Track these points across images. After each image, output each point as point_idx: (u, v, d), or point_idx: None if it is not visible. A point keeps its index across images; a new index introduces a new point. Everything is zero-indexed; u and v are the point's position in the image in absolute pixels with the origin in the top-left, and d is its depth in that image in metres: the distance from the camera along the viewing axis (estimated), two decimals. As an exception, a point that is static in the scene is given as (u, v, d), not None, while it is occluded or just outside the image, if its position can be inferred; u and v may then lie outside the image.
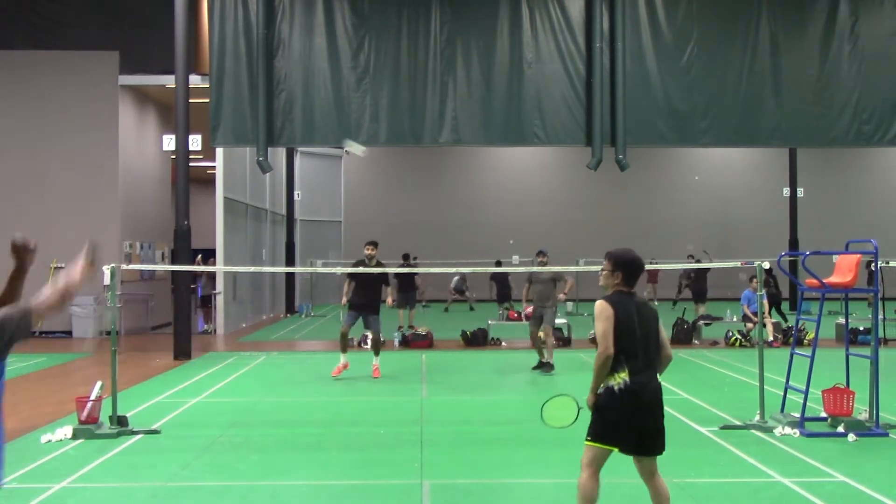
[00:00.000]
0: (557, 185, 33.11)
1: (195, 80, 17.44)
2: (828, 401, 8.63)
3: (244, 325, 21.88)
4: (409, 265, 21.71)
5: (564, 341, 16.70)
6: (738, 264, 10.98)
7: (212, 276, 20.45)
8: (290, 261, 26.62)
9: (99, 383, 8.73)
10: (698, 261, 21.82)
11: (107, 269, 8.98)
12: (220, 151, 19.72)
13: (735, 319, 17.72)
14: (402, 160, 32.46)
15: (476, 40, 16.42)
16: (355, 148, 13.30)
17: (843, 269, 8.76)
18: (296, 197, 27.76)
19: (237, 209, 21.56)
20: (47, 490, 6.55)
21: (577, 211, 32.64)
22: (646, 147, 19.94)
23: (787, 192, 27.80)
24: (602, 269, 5.11)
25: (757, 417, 8.75)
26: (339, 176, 32.40)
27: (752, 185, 33.16)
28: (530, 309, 13.37)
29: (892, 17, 17.00)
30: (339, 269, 17.43)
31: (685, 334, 17.03)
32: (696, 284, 20.69)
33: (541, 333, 12.87)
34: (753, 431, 8.51)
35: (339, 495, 6.62)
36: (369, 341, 13.15)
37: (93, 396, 8.52)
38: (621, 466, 5.25)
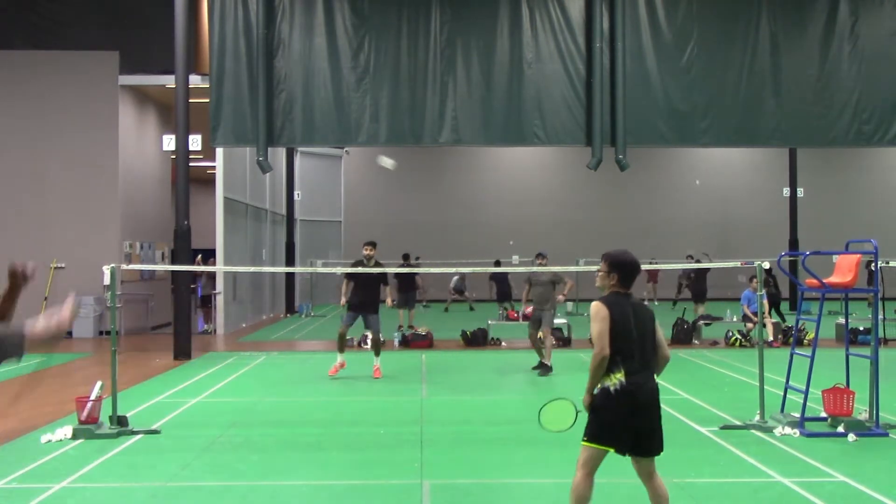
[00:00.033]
0: (557, 185, 33.11)
1: (195, 80, 17.45)
2: (828, 401, 8.64)
3: (244, 325, 21.88)
4: (409, 265, 21.71)
5: (564, 341, 16.70)
6: (738, 264, 10.98)
7: (212, 276, 20.45)
8: (290, 261, 26.62)
9: (99, 383, 8.74)
10: (697, 261, 21.81)
11: (107, 269, 8.98)
12: (220, 151, 19.73)
13: (735, 319, 17.73)
14: (402, 160, 32.25)
15: (476, 40, 16.42)
16: (387, 163, 13.43)
17: (843, 269, 8.76)
18: (296, 197, 27.76)
19: (237, 209, 21.56)
20: (47, 490, 6.55)
21: (577, 211, 32.64)
22: (646, 147, 19.94)
23: (787, 192, 27.80)
24: (598, 271, 5.14)
25: (757, 417, 8.75)
26: (339, 176, 32.40)
27: (752, 185, 33.16)
28: (530, 309, 13.38)
29: (892, 17, 17.00)
30: (339, 269, 17.43)
31: (685, 334, 17.03)
32: (696, 284, 20.69)
33: (540, 334, 12.88)
34: (753, 431, 8.51)
35: (339, 495, 6.62)
36: (369, 341, 13.15)
37: (93, 396, 8.52)
38: (621, 466, 5.24)
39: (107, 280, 8.85)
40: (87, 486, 6.74)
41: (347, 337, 13.26)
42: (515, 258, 28.70)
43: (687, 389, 11.00)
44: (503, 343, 16.98)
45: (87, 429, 8.34)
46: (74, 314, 3.55)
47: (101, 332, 18.45)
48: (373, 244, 12.44)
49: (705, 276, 20.48)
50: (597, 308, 4.92)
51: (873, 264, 11.48)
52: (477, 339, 17.05)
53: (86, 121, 19.13)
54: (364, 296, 12.23)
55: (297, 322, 23.35)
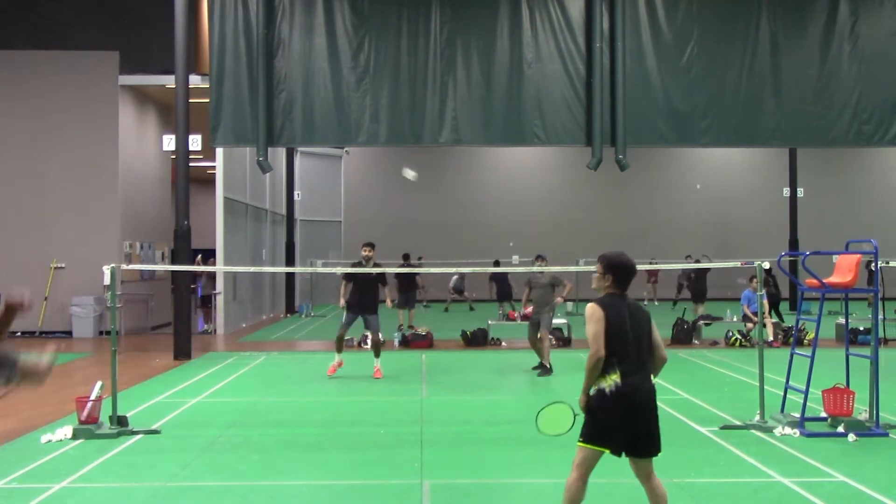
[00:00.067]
0: (557, 185, 33.10)
1: (195, 80, 17.45)
2: (828, 401, 8.64)
3: (244, 325, 21.88)
4: (409, 265, 21.71)
5: (564, 341, 16.71)
6: (738, 264, 10.98)
7: (212, 276, 20.45)
8: (290, 261, 26.62)
9: (99, 383, 8.74)
10: (697, 261, 21.82)
11: (107, 269, 8.98)
12: (220, 151, 19.72)
13: (735, 319, 17.73)
14: (402, 160, 32.26)
15: (476, 40, 16.42)
16: (410, 175, 13.60)
17: (843, 269, 8.76)
18: (296, 197, 27.76)
19: (237, 209, 21.56)
20: (47, 490, 6.55)
21: (577, 211, 32.63)
22: (646, 147, 19.94)
23: (787, 192, 27.79)
24: (594, 272, 5.15)
25: (757, 417, 8.75)
26: (339, 176, 32.40)
27: (752, 185, 33.15)
28: (530, 309, 13.39)
29: (892, 17, 16.99)
30: (339, 269, 17.42)
31: (685, 334, 17.03)
32: (696, 285, 20.70)
33: (539, 336, 12.91)
34: (753, 431, 8.51)
35: (339, 495, 6.62)
36: (369, 341, 13.18)
37: (93, 396, 8.52)
38: (621, 467, 5.24)
39: (107, 280, 8.85)
40: (87, 486, 6.74)
41: (347, 337, 13.29)
42: (515, 258, 28.70)
43: (687, 389, 10.99)
44: (503, 343, 16.98)
45: (87, 429, 8.35)
46: (50, 366, 3.89)
47: (101, 332, 18.44)
48: (371, 245, 12.50)
49: (705, 277, 20.49)
50: (592, 309, 4.94)
51: (873, 264, 11.48)
52: (477, 340, 17.05)
53: (86, 121, 19.14)
54: (363, 296, 12.27)
55: (297, 322, 23.35)
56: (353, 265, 12.70)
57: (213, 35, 16.18)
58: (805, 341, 15.02)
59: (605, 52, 16.28)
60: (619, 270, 5.05)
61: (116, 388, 8.79)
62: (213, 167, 20.58)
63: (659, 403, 5.05)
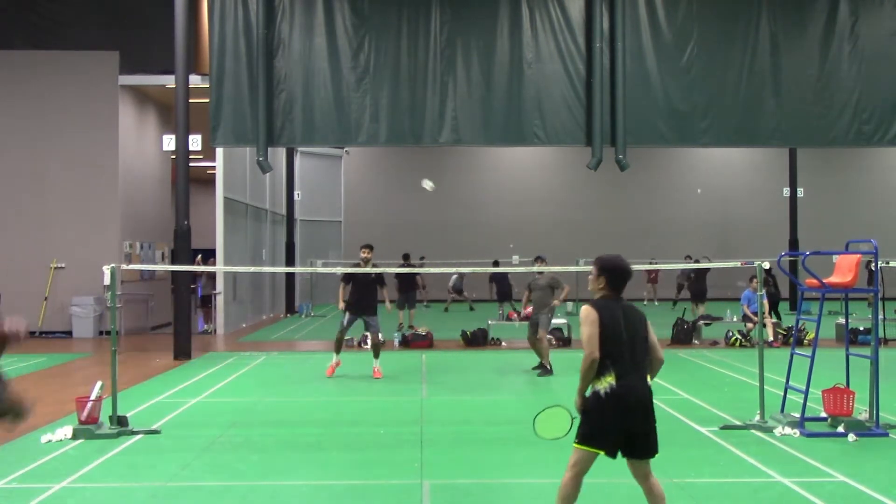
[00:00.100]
0: (557, 185, 33.10)
1: (195, 80, 17.45)
2: (828, 401, 8.64)
3: (244, 325, 21.88)
4: (409, 265, 21.71)
5: (565, 341, 16.71)
6: (738, 264, 10.98)
7: (212, 276, 20.45)
8: (290, 261, 26.62)
9: (99, 383, 8.74)
10: (696, 261, 21.83)
11: (107, 269, 8.98)
12: (220, 151, 19.72)
13: (735, 319, 17.73)
14: (402, 160, 32.44)
15: (476, 40, 16.42)
16: (428, 185, 13.72)
17: (843, 269, 8.76)
18: (296, 197, 27.76)
19: (237, 209, 21.57)
20: (47, 490, 6.55)
21: (577, 211, 32.63)
22: (646, 147, 19.95)
23: (787, 192, 27.79)
24: (589, 274, 5.18)
25: (757, 417, 8.75)
26: (339, 176, 32.40)
27: (752, 185, 33.15)
28: (530, 309, 13.41)
29: (892, 17, 16.99)
30: (339, 269, 17.44)
31: (685, 334, 17.03)
32: (696, 285, 20.71)
33: (538, 335, 12.92)
34: (753, 431, 8.51)
35: (339, 495, 6.62)
36: (369, 342, 13.20)
37: (93, 396, 8.52)
38: (620, 467, 5.24)
39: (107, 280, 8.85)
40: (87, 486, 6.74)
41: (347, 337, 13.31)
42: (515, 258, 28.69)
43: (687, 389, 10.99)
44: (503, 343, 16.98)
45: (87, 429, 8.35)
46: (27, 413, 4.14)
47: (101, 332, 18.45)
48: (370, 247, 12.61)
49: (705, 277, 20.50)
50: (586, 312, 4.97)
51: (873, 264, 11.49)
52: (477, 339, 17.05)
53: (86, 121, 19.14)
54: (362, 298, 12.33)
55: (297, 322, 23.35)
56: (353, 266, 12.75)
57: (213, 35, 16.18)
58: (805, 341, 15.02)
59: (605, 52, 16.28)
60: (612, 273, 5.07)
61: (116, 388, 8.79)
62: (213, 167, 20.59)
63: (659, 403, 5.06)
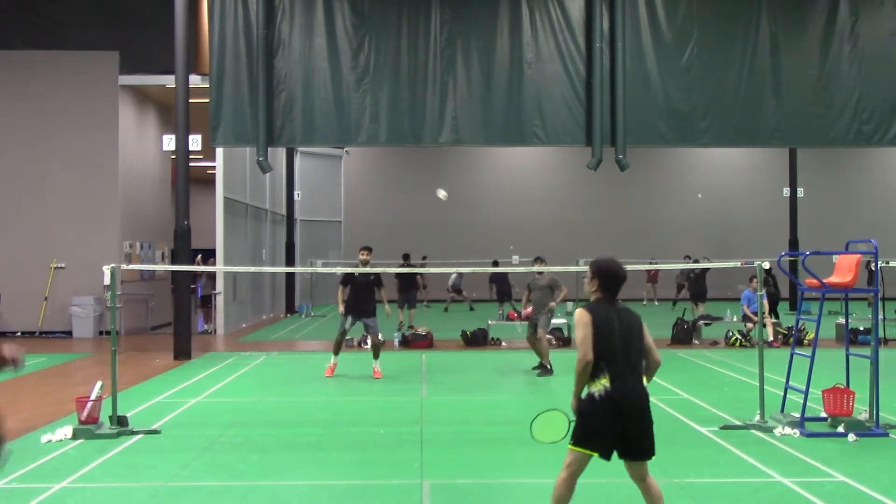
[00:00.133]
0: (557, 185, 33.10)
1: (195, 80, 17.45)
2: (828, 401, 8.64)
3: (244, 325, 21.88)
4: (409, 265, 21.71)
5: (565, 341, 16.70)
6: (738, 264, 10.98)
7: (212, 276, 20.45)
8: (290, 261, 26.62)
9: (99, 383, 8.74)
10: (696, 261, 21.82)
11: (107, 269, 8.98)
12: (220, 151, 19.72)
13: (735, 319, 17.73)
14: (402, 160, 32.45)
15: (476, 40, 16.42)
16: (441, 195, 13.78)
17: (843, 269, 8.76)
18: (296, 197, 27.76)
19: (237, 209, 21.57)
20: (47, 490, 6.55)
21: (577, 211, 32.63)
22: (646, 147, 19.94)
23: (787, 192, 27.79)
24: (584, 277, 5.21)
25: (757, 417, 8.75)
26: (339, 176, 32.40)
27: (752, 185, 33.14)
28: (530, 309, 13.41)
29: (892, 17, 16.99)
30: (339, 269, 17.45)
31: (685, 334, 17.03)
32: (696, 285, 20.71)
33: (537, 335, 12.93)
34: (753, 431, 8.51)
35: (339, 495, 6.62)
36: (369, 342, 13.22)
37: (93, 396, 8.52)
38: (621, 467, 5.24)
39: (107, 280, 8.85)
40: (87, 486, 6.75)
41: (347, 337, 13.32)
42: (515, 258, 28.69)
43: (687, 389, 10.99)
44: (503, 343, 16.98)
45: (87, 429, 8.35)
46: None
47: (101, 332, 18.45)
48: (368, 249, 12.67)
49: (705, 277, 20.49)
50: (580, 314, 4.99)
51: (873, 264, 11.49)
52: (477, 339, 17.05)
53: (86, 121, 19.14)
54: (361, 300, 12.37)
55: (297, 322, 23.35)
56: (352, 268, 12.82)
57: (213, 35, 16.18)
58: (805, 341, 15.02)
59: (605, 52, 16.28)
60: (605, 276, 5.09)
61: (116, 388, 8.79)
62: (213, 167, 20.59)
63: (659, 403, 5.07)
